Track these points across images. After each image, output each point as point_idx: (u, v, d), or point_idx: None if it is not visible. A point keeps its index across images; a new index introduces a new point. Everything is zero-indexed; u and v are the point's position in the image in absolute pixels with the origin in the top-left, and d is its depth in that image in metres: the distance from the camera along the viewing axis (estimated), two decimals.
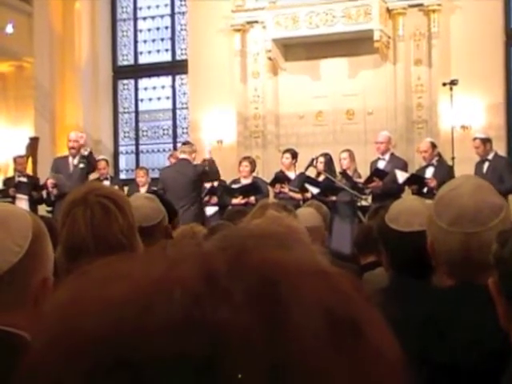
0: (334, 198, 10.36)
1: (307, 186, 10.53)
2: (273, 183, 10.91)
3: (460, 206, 2.04)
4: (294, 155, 11.23)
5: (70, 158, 11.13)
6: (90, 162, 11.19)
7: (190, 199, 10.06)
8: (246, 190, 10.79)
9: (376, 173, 10.52)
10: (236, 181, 11.16)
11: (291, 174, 11.03)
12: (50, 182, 10.95)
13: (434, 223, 2.12)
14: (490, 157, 10.55)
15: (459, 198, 2.03)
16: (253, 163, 11.36)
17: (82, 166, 10.85)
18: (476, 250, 1.95)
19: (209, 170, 10.62)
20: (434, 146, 10.69)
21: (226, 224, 4.41)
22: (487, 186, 2.10)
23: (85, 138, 11.26)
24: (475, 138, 10.75)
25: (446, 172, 10.03)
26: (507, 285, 1.45)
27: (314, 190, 10.40)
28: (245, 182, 11.00)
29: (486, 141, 10.63)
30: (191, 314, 0.53)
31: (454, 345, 1.79)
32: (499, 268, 1.47)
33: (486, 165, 10.45)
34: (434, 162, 10.59)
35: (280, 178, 10.93)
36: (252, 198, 10.53)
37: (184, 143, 11.33)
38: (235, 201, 10.73)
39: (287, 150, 11.42)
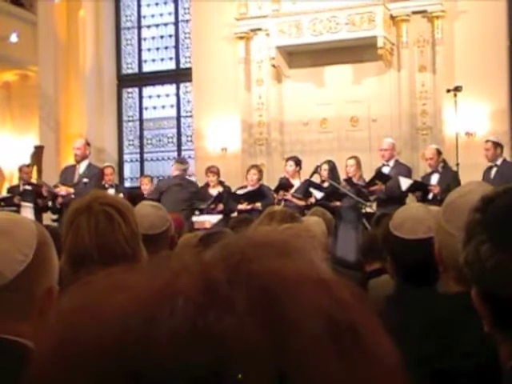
0: (337, 203, 10.34)
1: (311, 189, 10.52)
2: (277, 190, 10.91)
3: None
4: (298, 162, 11.21)
5: (77, 166, 11.14)
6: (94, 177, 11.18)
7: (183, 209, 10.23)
8: (251, 196, 10.80)
9: (379, 176, 10.51)
10: (243, 187, 11.17)
11: (296, 182, 11.02)
12: (44, 193, 10.93)
13: (442, 229, 2.12)
14: (499, 162, 10.51)
15: (469, 205, 2.03)
16: (261, 172, 11.37)
17: (85, 180, 10.85)
18: None
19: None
20: (439, 152, 10.68)
21: (221, 231, 4.41)
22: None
23: (84, 143, 11.25)
24: (487, 141, 10.70)
25: (451, 178, 10.02)
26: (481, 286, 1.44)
27: (318, 195, 10.39)
28: (251, 188, 11.02)
29: (498, 145, 10.61)
30: (195, 324, 0.54)
31: (461, 351, 1.79)
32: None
33: (494, 170, 10.42)
34: (439, 168, 10.58)
35: (284, 185, 10.93)
36: (258, 204, 10.53)
37: (177, 161, 11.48)
38: (241, 206, 10.74)
39: (290, 158, 11.40)
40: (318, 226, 4.61)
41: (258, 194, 10.80)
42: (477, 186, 2.16)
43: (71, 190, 10.60)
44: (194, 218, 10.72)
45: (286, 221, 2.88)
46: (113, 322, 0.55)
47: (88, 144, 11.24)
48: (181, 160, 11.70)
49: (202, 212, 10.91)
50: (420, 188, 10.21)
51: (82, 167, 11.04)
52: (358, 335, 0.57)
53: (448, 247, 2.10)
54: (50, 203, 11.15)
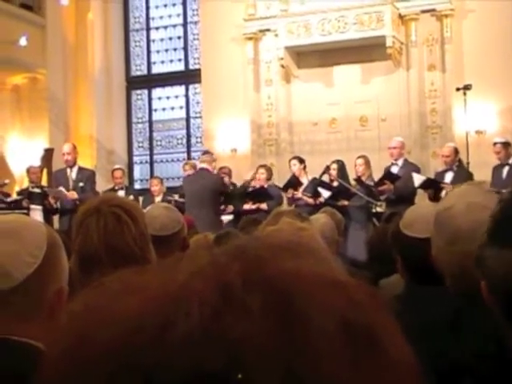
0: (345, 202, 10.32)
1: (319, 189, 10.51)
2: (285, 188, 10.91)
3: (454, 226, 2.06)
4: (301, 161, 11.21)
5: (68, 170, 11.15)
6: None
7: (208, 208, 10.06)
8: (255, 195, 10.78)
9: (388, 176, 10.49)
10: (250, 186, 11.19)
11: (304, 180, 11.01)
12: (52, 200, 10.98)
13: (434, 239, 2.15)
14: (511, 161, 10.46)
15: (453, 219, 2.07)
16: (269, 171, 11.38)
17: (81, 184, 10.88)
18: (474, 268, 1.96)
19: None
20: (456, 151, 10.62)
21: (233, 232, 4.41)
22: (479, 205, 2.10)
23: (72, 147, 11.27)
24: (495, 143, 10.65)
25: (465, 178, 9.95)
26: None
27: (326, 194, 10.38)
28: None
29: (507, 145, 10.56)
30: (209, 327, 0.53)
31: (470, 350, 1.78)
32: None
33: (506, 169, 10.36)
34: (454, 167, 10.54)
35: (293, 183, 10.92)
36: (263, 205, 10.53)
37: (204, 152, 11.32)
38: (246, 206, 10.74)
39: (293, 158, 11.42)
40: (326, 226, 4.61)
41: (264, 194, 10.77)
42: (458, 199, 2.18)
43: (76, 196, 10.65)
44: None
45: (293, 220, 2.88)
46: (126, 323, 0.55)
47: (75, 147, 11.29)
48: (208, 152, 11.56)
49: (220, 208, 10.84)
50: (432, 185, 10.17)
51: (73, 172, 11.07)
52: (375, 337, 0.57)
53: (439, 257, 2.12)
54: (58, 204, 11.15)
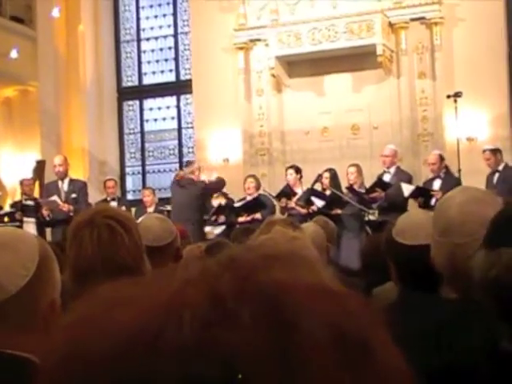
0: (339, 211, 10.33)
1: (312, 198, 10.52)
2: (278, 197, 10.91)
3: (447, 217, 2.07)
4: (298, 170, 11.23)
5: (60, 182, 11.13)
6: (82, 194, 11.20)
7: (192, 217, 10.18)
8: (249, 207, 10.80)
9: (379, 183, 10.52)
10: (242, 199, 11.18)
11: (298, 190, 11.02)
12: (45, 212, 10.96)
13: (432, 236, 2.15)
14: (501, 167, 10.51)
15: (448, 210, 2.07)
16: (258, 180, 11.39)
17: (73, 195, 10.87)
18: (462, 261, 1.97)
19: (210, 183, 10.84)
20: (442, 158, 10.68)
21: (224, 242, 4.40)
22: (481, 198, 2.09)
23: (64, 159, 11.29)
24: (485, 150, 10.70)
25: (453, 184, 9.96)
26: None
27: (319, 203, 10.38)
28: (249, 198, 11.02)
29: (496, 151, 10.61)
30: (201, 337, 0.54)
31: (461, 356, 1.79)
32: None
33: (497, 176, 10.42)
34: (442, 174, 10.58)
35: (286, 192, 10.93)
36: (258, 215, 10.53)
37: (187, 163, 11.43)
38: (241, 219, 10.74)
39: (290, 167, 11.42)
40: (316, 234, 4.61)
41: (257, 204, 10.79)
42: (461, 192, 2.18)
43: (70, 207, 10.64)
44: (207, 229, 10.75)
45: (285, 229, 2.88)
46: (119, 335, 0.55)
47: (66, 159, 11.30)
48: (189, 162, 11.67)
49: (205, 223, 10.91)
50: (423, 194, 10.20)
51: (65, 184, 11.06)
52: (367, 346, 0.57)
53: (434, 251, 2.12)
54: (50, 216, 11.13)
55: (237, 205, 10.97)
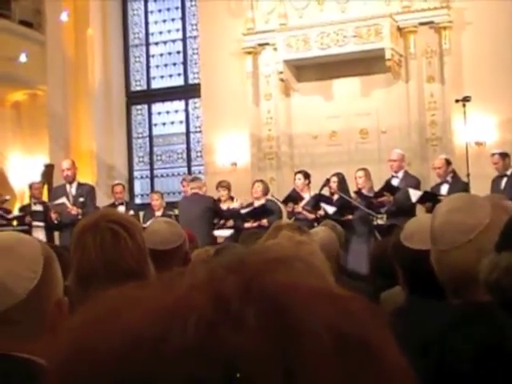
0: (350, 216, 10.33)
1: (322, 205, 10.50)
2: (285, 201, 10.90)
3: (432, 225, 2.15)
4: (307, 176, 11.22)
5: (68, 186, 11.16)
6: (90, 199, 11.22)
7: (201, 231, 10.13)
8: (255, 214, 10.77)
9: (387, 187, 10.49)
10: (250, 204, 11.16)
11: (306, 196, 11.01)
12: (53, 215, 10.97)
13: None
14: (509, 172, 10.47)
15: (433, 218, 2.15)
16: (265, 185, 11.37)
17: (81, 199, 10.89)
18: (445, 268, 2.03)
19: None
20: (448, 162, 10.65)
21: (232, 246, 4.40)
22: (467, 206, 2.13)
23: (72, 163, 11.32)
24: (493, 154, 10.68)
25: (461, 189, 9.94)
26: None
27: (330, 210, 10.37)
28: (256, 204, 11.00)
29: (505, 155, 10.59)
30: (206, 339, 0.54)
31: (463, 360, 1.78)
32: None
33: (504, 180, 10.38)
34: (449, 178, 10.55)
35: (293, 197, 10.92)
36: (264, 221, 10.51)
37: (192, 179, 11.38)
38: (247, 224, 10.72)
39: (299, 172, 11.42)
40: (326, 239, 4.60)
41: (262, 210, 10.76)
42: (448, 200, 2.24)
43: (78, 211, 10.66)
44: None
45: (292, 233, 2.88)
46: (124, 335, 0.55)
47: (74, 163, 11.32)
48: (196, 178, 11.64)
49: (213, 227, 10.89)
50: (430, 199, 10.16)
51: (73, 187, 11.08)
52: (370, 348, 0.57)
53: (431, 258, 2.15)
54: (59, 220, 11.15)
55: (243, 211, 10.94)
